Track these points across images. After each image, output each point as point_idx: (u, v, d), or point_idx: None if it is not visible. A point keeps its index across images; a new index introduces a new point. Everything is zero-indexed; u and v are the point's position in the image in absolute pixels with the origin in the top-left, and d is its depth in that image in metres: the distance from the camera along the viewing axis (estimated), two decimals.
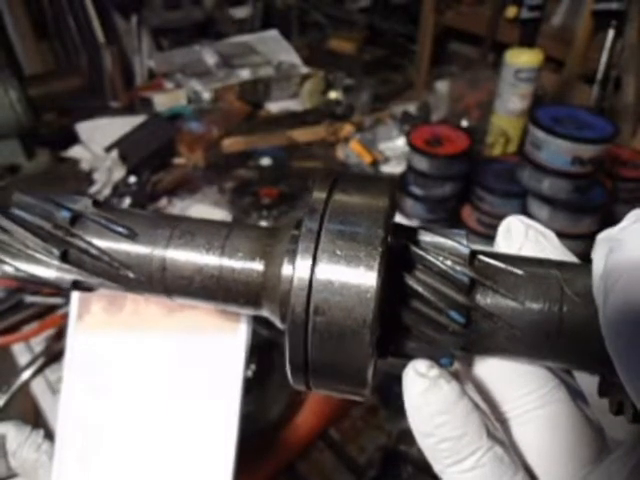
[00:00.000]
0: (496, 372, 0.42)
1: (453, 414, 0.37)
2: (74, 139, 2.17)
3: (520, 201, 1.74)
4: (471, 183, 1.81)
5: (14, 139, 1.95)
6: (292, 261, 0.36)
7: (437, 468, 0.39)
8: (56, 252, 0.41)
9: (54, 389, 1.30)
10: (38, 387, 1.32)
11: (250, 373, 1.22)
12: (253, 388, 1.21)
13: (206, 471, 0.61)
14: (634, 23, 1.95)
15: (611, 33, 1.96)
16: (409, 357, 0.39)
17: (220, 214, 1.81)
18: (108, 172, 1.91)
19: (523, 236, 0.42)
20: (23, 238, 0.42)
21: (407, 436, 1.23)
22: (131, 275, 0.42)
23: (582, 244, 1.63)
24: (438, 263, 0.38)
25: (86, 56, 2.82)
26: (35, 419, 1.28)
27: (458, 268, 0.37)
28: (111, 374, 0.63)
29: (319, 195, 0.38)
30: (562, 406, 0.41)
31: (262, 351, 1.26)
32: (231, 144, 2.15)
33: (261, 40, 2.84)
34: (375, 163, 2.09)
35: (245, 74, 2.54)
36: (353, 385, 0.37)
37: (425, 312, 0.37)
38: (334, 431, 1.29)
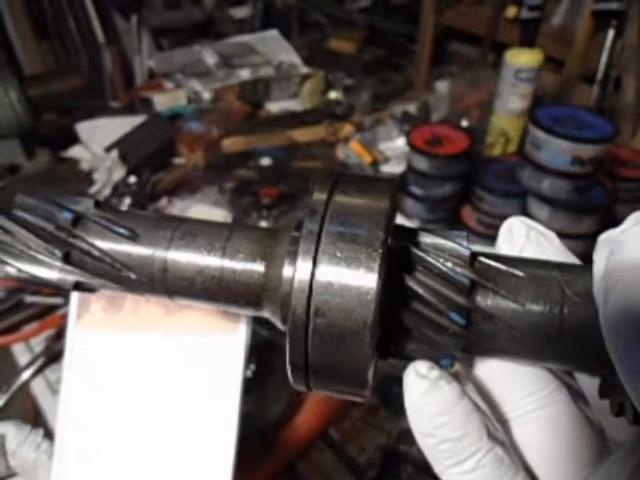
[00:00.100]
0: (497, 373, 0.42)
1: (453, 415, 0.37)
2: (74, 139, 2.17)
3: (520, 201, 1.74)
4: (471, 183, 1.81)
5: (14, 139, 1.95)
6: (293, 263, 0.36)
7: (437, 469, 0.39)
8: (58, 253, 0.41)
9: (54, 389, 1.30)
10: (38, 387, 1.32)
11: (250, 373, 1.22)
12: (253, 388, 1.21)
13: (206, 471, 0.61)
14: (634, 23, 1.95)
15: (611, 33, 1.96)
16: (410, 358, 0.39)
17: (220, 214, 1.81)
18: (108, 172, 1.91)
19: (524, 237, 0.42)
20: (25, 239, 0.42)
21: (407, 436, 1.23)
22: (133, 276, 0.42)
23: (582, 244, 1.64)
24: (438, 265, 0.38)
25: (86, 56, 2.82)
26: (35, 419, 1.28)
27: (458, 270, 0.37)
28: (111, 374, 0.63)
29: (319, 196, 0.38)
30: (563, 407, 0.41)
31: (262, 351, 1.26)
32: (231, 144, 2.15)
33: (261, 40, 2.84)
34: (375, 163, 2.09)
35: (245, 74, 2.54)
36: (353, 386, 0.38)
37: (425, 314, 0.37)
38: (334, 431, 1.29)
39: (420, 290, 0.37)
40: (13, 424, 0.67)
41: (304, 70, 2.61)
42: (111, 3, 2.79)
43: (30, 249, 0.42)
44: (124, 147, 2.03)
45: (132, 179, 1.91)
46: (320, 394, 0.40)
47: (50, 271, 0.42)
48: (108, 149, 2.03)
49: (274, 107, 2.51)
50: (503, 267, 0.39)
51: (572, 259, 0.42)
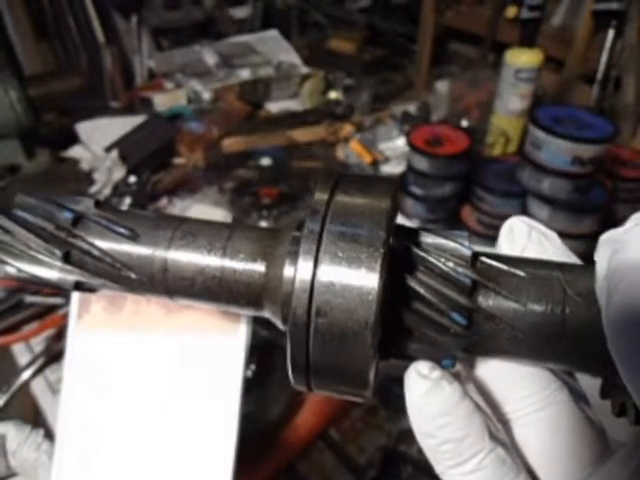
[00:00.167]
0: (498, 373, 0.42)
1: (455, 415, 0.37)
2: (74, 139, 2.17)
3: (520, 201, 1.74)
4: (471, 183, 1.81)
5: (14, 139, 1.95)
6: (294, 262, 0.36)
7: (438, 469, 0.39)
8: (58, 253, 0.41)
9: (54, 389, 1.30)
10: (38, 387, 1.32)
11: (250, 373, 1.22)
12: (253, 388, 1.21)
13: (206, 471, 0.61)
14: (634, 23, 1.95)
15: (611, 33, 1.96)
16: (411, 359, 0.39)
17: (220, 214, 1.81)
18: (108, 172, 1.91)
19: (526, 237, 0.42)
20: (25, 239, 0.42)
21: (407, 436, 1.23)
22: (133, 276, 0.42)
23: (582, 244, 1.63)
24: (440, 265, 0.37)
25: (86, 56, 2.82)
26: (35, 419, 1.28)
27: (460, 270, 0.37)
28: (111, 374, 0.63)
29: (321, 196, 0.38)
30: (564, 408, 0.41)
31: (262, 351, 1.26)
32: (231, 144, 2.15)
33: (261, 40, 2.84)
34: (375, 163, 2.09)
35: (245, 74, 2.54)
36: (354, 387, 0.37)
37: (427, 314, 0.37)
38: (334, 431, 1.29)
39: (421, 290, 0.37)
40: (14, 424, 0.67)
41: (304, 70, 2.61)
42: (111, 3, 2.79)
43: (30, 249, 0.42)
44: (124, 147, 2.03)
45: (132, 179, 1.91)
46: (321, 394, 0.40)
47: (50, 271, 0.42)
48: (108, 149, 2.03)
49: (274, 107, 2.51)
50: (505, 267, 0.39)
51: (573, 259, 0.42)
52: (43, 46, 3.00)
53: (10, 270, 0.42)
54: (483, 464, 0.37)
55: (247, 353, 0.61)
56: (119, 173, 1.92)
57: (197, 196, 1.94)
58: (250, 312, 0.42)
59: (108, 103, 2.58)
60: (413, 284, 0.37)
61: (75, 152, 2.10)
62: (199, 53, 2.67)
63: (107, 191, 1.87)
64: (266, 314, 0.42)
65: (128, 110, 2.42)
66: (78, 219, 0.43)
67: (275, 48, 2.79)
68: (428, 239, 0.39)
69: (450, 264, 0.37)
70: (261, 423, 1.22)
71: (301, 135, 2.23)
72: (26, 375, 1.32)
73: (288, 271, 0.38)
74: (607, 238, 0.34)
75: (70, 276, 0.42)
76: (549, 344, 0.37)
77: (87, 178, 1.93)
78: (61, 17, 2.85)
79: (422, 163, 1.77)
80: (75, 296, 0.62)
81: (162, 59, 2.71)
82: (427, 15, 2.88)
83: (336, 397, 0.40)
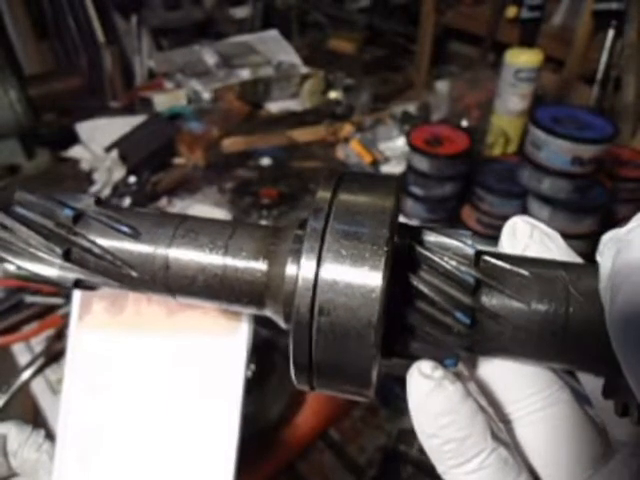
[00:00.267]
0: (500, 373, 0.42)
1: (458, 415, 0.37)
2: (74, 139, 2.17)
3: (520, 201, 1.74)
4: (471, 183, 1.80)
5: (14, 139, 1.95)
6: (296, 261, 0.36)
7: (440, 469, 0.39)
8: (59, 251, 0.41)
9: (54, 389, 1.30)
10: (38, 387, 1.32)
11: (250, 373, 1.22)
12: (253, 388, 1.21)
13: (207, 471, 0.61)
14: (634, 23, 1.95)
15: (611, 33, 1.96)
16: (413, 358, 0.38)
17: (220, 214, 1.81)
18: (108, 172, 1.91)
19: (528, 237, 0.42)
20: (26, 236, 0.41)
21: (407, 436, 1.23)
22: (134, 274, 0.42)
23: (582, 244, 1.63)
24: (443, 263, 0.37)
25: (86, 56, 2.82)
26: (35, 419, 1.28)
27: (463, 269, 0.37)
28: (112, 374, 0.63)
29: (324, 194, 0.37)
30: (566, 408, 0.41)
31: (262, 351, 1.26)
32: (231, 144, 2.15)
33: (261, 40, 2.84)
34: (375, 163, 2.09)
35: (245, 74, 2.54)
36: (357, 386, 0.37)
37: (430, 313, 0.37)
38: (334, 431, 1.29)
39: (425, 289, 0.37)
40: (15, 424, 0.67)
41: (304, 70, 2.61)
42: (111, 3, 2.80)
43: (30, 246, 0.41)
44: (124, 147, 2.03)
45: (132, 179, 1.91)
46: (321, 394, 0.40)
47: (50, 268, 0.42)
48: (108, 149, 2.03)
49: (274, 107, 2.51)
50: (508, 266, 0.38)
51: (576, 259, 0.42)
52: (43, 46, 3.00)
53: (10, 268, 0.42)
54: (485, 464, 0.37)
55: (249, 352, 0.61)
56: (119, 173, 1.92)
57: (197, 196, 1.94)
58: (252, 311, 0.42)
59: (108, 103, 2.58)
60: (416, 283, 0.37)
61: (75, 152, 2.10)
62: (199, 53, 2.67)
63: (107, 191, 1.87)
64: (268, 313, 0.41)
65: (128, 110, 2.42)
66: (79, 217, 0.43)
67: (275, 48, 2.79)
68: (431, 238, 0.39)
69: (453, 263, 0.37)
70: (261, 423, 1.22)
71: (301, 135, 2.23)
72: (26, 375, 1.32)
73: (291, 269, 0.38)
74: (610, 238, 0.34)
75: (70, 274, 0.42)
76: (553, 343, 0.37)
77: (87, 178, 1.93)
78: (61, 17, 2.85)
79: (422, 163, 1.77)
80: (76, 297, 0.62)
81: (162, 59, 2.71)
82: (427, 15, 2.87)
83: (338, 396, 0.40)
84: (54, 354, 1.36)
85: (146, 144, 2.08)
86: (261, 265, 0.40)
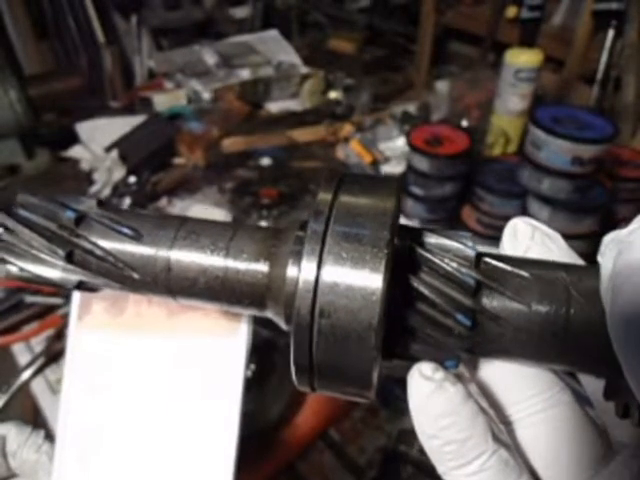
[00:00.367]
0: (501, 374, 0.42)
1: (458, 417, 0.37)
2: (74, 139, 2.17)
3: (520, 201, 1.74)
4: (471, 183, 1.80)
5: (14, 139, 1.95)
6: (297, 263, 0.36)
7: (441, 470, 0.39)
8: (61, 252, 0.41)
9: (54, 389, 1.30)
10: (38, 387, 1.32)
11: (250, 373, 1.22)
12: (253, 388, 1.21)
13: (207, 471, 0.61)
14: (634, 23, 1.95)
15: (611, 33, 1.96)
16: (414, 359, 0.38)
17: (220, 214, 1.81)
18: (108, 172, 1.90)
19: (529, 238, 0.42)
20: (28, 238, 0.41)
21: (407, 437, 1.23)
22: (136, 276, 0.42)
23: (582, 244, 1.63)
24: (444, 265, 0.37)
25: (86, 56, 2.82)
26: (34, 419, 1.28)
27: (464, 270, 0.37)
28: (112, 375, 0.63)
29: (324, 196, 0.37)
30: (567, 409, 0.41)
31: (262, 351, 1.26)
32: (231, 144, 2.15)
33: (261, 40, 2.84)
34: (375, 163, 2.09)
35: (245, 74, 2.54)
36: (358, 387, 0.37)
37: (431, 314, 0.37)
38: (334, 432, 1.29)
39: (425, 291, 0.37)
40: (14, 425, 0.67)
41: (304, 70, 2.61)
42: (111, 3, 2.80)
43: (33, 248, 0.41)
44: (124, 147, 2.03)
45: (132, 179, 1.91)
46: (321, 394, 0.40)
47: (53, 270, 0.42)
48: (108, 149, 2.03)
49: (274, 107, 2.51)
50: (509, 268, 0.38)
51: (577, 260, 0.42)
52: (43, 46, 3.00)
53: (12, 269, 0.42)
54: (486, 465, 0.37)
55: (248, 353, 0.61)
56: (119, 173, 1.92)
57: (197, 196, 1.94)
58: (253, 312, 0.42)
59: (108, 103, 2.58)
60: (417, 285, 0.37)
61: (75, 152, 2.10)
62: (199, 53, 2.67)
63: (107, 191, 1.87)
64: (269, 314, 0.41)
65: (128, 110, 2.41)
66: (81, 218, 0.43)
67: (275, 48, 2.79)
68: (432, 239, 0.39)
69: (454, 265, 0.37)
70: (261, 423, 1.22)
71: (301, 135, 2.23)
72: (26, 375, 1.32)
73: (292, 271, 0.38)
74: (611, 239, 0.34)
75: (73, 276, 0.42)
76: (553, 345, 0.37)
77: (87, 178, 1.93)
78: (61, 17, 2.85)
79: (422, 163, 1.77)
80: (76, 297, 0.62)
81: (162, 59, 2.71)
82: (427, 15, 2.87)
83: (339, 397, 0.40)
84: (54, 354, 1.36)
85: (146, 144, 2.08)
86: (262, 267, 0.40)
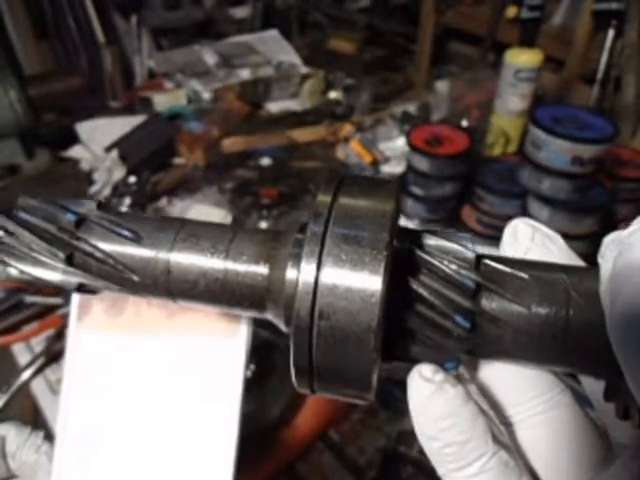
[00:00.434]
0: (501, 376, 0.42)
1: (458, 418, 0.36)
2: (74, 139, 2.17)
3: (520, 201, 1.74)
4: (471, 183, 1.81)
5: (14, 139, 1.95)
6: (297, 265, 0.36)
7: (441, 472, 0.39)
8: (61, 255, 0.41)
9: (54, 389, 1.30)
10: (38, 387, 1.32)
11: (250, 373, 1.22)
12: (253, 388, 1.21)
13: (207, 472, 0.61)
14: (634, 23, 1.95)
15: (611, 33, 1.96)
16: (414, 361, 0.38)
17: (220, 214, 1.81)
18: (108, 172, 1.90)
19: (529, 239, 0.42)
20: (28, 241, 0.41)
21: (406, 437, 1.23)
22: (135, 278, 0.42)
23: (582, 244, 1.63)
24: (443, 267, 0.37)
25: (86, 56, 2.82)
26: (35, 419, 1.28)
27: (463, 272, 0.37)
28: (112, 376, 0.63)
29: (324, 198, 0.37)
30: (567, 411, 0.41)
31: (262, 351, 1.26)
32: (231, 144, 2.15)
33: (261, 40, 2.84)
34: (375, 163, 2.09)
35: (245, 74, 2.54)
36: (358, 389, 0.37)
37: (430, 317, 0.37)
38: (334, 432, 1.29)
39: (425, 293, 0.37)
40: (13, 426, 0.67)
41: (304, 70, 2.61)
42: (111, 3, 2.80)
43: (33, 251, 0.41)
44: (124, 147, 2.03)
45: (132, 179, 1.91)
46: (323, 396, 0.40)
47: (53, 273, 0.42)
48: (108, 149, 2.03)
49: (274, 107, 2.51)
50: (508, 269, 0.38)
51: (577, 261, 0.42)
52: (43, 46, 3.00)
53: (12, 272, 0.42)
54: (486, 467, 0.37)
55: (248, 354, 0.61)
56: (119, 173, 1.92)
57: (197, 196, 1.94)
58: (253, 314, 0.42)
59: (108, 103, 2.58)
60: (416, 287, 0.37)
61: (75, 152, 2.10)
62: (199, 53, 2.67)
63: (107, 191, 1.87)
64: (269, 316, 0.41)
65: (128, 110, 2.41)
66: (81, 221, 0.43)
67: (275, 48, 2.79)
68: (431, 241, 0.39)
69: (453, 266, 0.37)
70: (261, 423, 1.22)
71: (301, 135, 2.23)
72: (26, 375, 1.32)
73: (291, 273, 0.38)
74: (611, 240, 0.34)
75: (73, 278, 0.42)
76: (553, 347, 0.37)
77: (87, 178, 1.93)
78: (61, 17, 2.85)
79: (422, 163, 1.77)
80: (75, 298, 0.62)
81: (162, 59, 2.71)
82: (427, 15, 2.87)
83: (339, 399, 0.40)
84: (54, 354, 1.36)
85: (146, 144, 2.08)
86: (262, 269, 0.40)
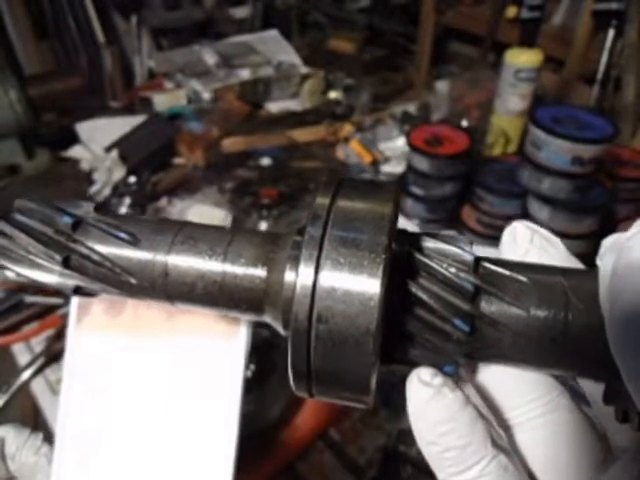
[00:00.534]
0: (500, 379, 0.42)
1: (457, 423, 0.36)
2: (74, 139, 2.17)
3: (520, 201, 1.74)
4: (471, 183, 1.80)
5: (14, 139, 1.95)
6: (295, 268, 0.36)
7: (440, 476, 0.39)
8: (58, 258, 0.41)
9: (54, 389, 1.30)
10: (38, 387, 1.32)
11: (250, 373, 1.22)
12: (253, 388, 1.21)
13: (207, 472, 0.61)
14: (634, 23, 1.95)
15: (611, 33, 1.96)
16: (413, 364, 0.38)
17: (220, 214, 1.81)
18: (108, 172, 1.90)
19: (528, 242, 0.42)
20: (25, 244, 0.41)
21: (407, 436, 1.23)
22: (133, 281, 0.41)
23: (582, 244, 1.63)
24: (442, 270, 0.37)
25: (86, 56, 2.82)
26: (35, 419, 1.28)
27: (462, 275, 0.37)
28: (111, 376, 0.63)
29: (322, 201, 0.37)
30: (566, 413, 0.41)
31: (262, 351, 1.26)
32: (231, 144, 2.15)
33: (261, 40, 2.84)
34: (375, 163, 2.09)
35: (245, 74, 2.54)
36: (356, 393, 0.37)
37: (429, 320, 0.37)
38: (334, 431, 1.29)
39: (424, 296, 0.37)
40: (13, 427, 0.67)
41: (304, 70, 2.61)
42: (111, 3, 2.79)
43: (29, 253, 0.41)
44: (124, 147, 2.03)
45: (132, 179, 1.91)
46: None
47: (50, 275, 0.42)
48: (108, 149, 2.03)
49: (274, 107, 2.51)
50: (507, 273, 0.38)
51: (576, 264, 0.42)
52: (43, 46, 3.00)
53: (10, 275, 0.42)
54: (485, 471, 0.37)
55: (247, 356, 0.61)
56: (119, 173, 1.92)
57: (197, 196, 1.94)
58: (251, 317, 0.42)
59: (108, 103, 2.58)
60: (415, 290, 0.37)
61: (75, 152, 2.10)
62: (199, 53, 2.67)
63: (107, 191, 1.86)
64: (267, 319, 0.41)
65: (128, 110, 2.41)
66: (78, 223, 0.43)
67: (275, 48, 2.79)
68: (430, 244, 0.39)
69: (452, 270, 0.37)
70: (261, 423, 1.22)
71: (301, 135, 2.23)
72: (26, 375, 1.32)
73: (289, 276, 0.37)
74: (611, 244, 0.34)
75: (70, 280, 0.42)
76: (552, 350, 0.37)
77: (87, 178, 1.92)
78: (61, 17, 2.85)
79: (422, 163, 1.77)
80: (74, 299, 0.62)
81: (162, 59, 2.71)
82: (427, 15, 2.87)
83: (337, 403, 0.40)
84: (54, 354, 1.36)
85: (146, 144, 2.08)
86: (260, 272, 0.40)
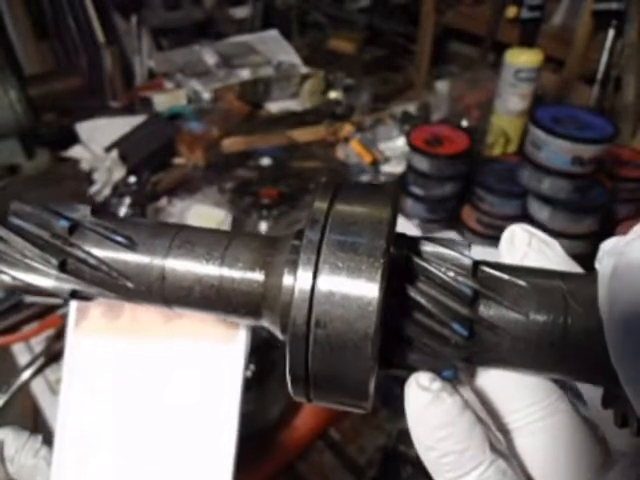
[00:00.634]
0: (499, 383, 0.41)
1: (456, 428, 0.36)
2: (74, 139, 2.17)
3: (520, 201, 1.74)
4: (471, 183, 1.80)
5: (14, 139, 1.94)
6: (293, 272, 0.36)
7: None
8: (54, 262, 0.41)
9: (54, 389, 1.30)
10: (38, 387, 1.32)
11: (250, 373, 1.22)
12: (253, 388, 1.21)
13: (207, 472, 0.61)
14: (634, 23, 1.95)
15: (611, 33, 1.96)
16: (411, 369, 0.38)
17: (220, 214, 1.81)
18: (108, 172, 1.90)
19: (526, 245, 0.42)
20: (21, 247, 0.41)
21: (407, 436, 1.22)
22: (130, 285, 0.41)
23: (582, 244, 1.63)
24: (440, 274, 0.37)
25: (86, 56, 2.81)
26: (35, 419, 1.28)
27: (461, 279, 0.37)
28: (110, 379, 0.63)
29: (320, 205, 0.37)
30: (565, 417, 0.40)
31: (262, 351, 1.26)
32: (231, 144, 2.15)
33: (261, 40, 2.84)
34: (375, 163, 2.09)
35: (245, 74, 2.54)
36: (354, 398, 0.37)
37: (428, 324, 0.37)
38: (334, 431, 1.29)
39: (422, 300, 0.36)
40: (12, 430, 0.67)
41: (304, 70, 2.61)
42: (111, 3, 2.79)
43: (26, 257, 0.41)
44: (124, 147, 2.03)
45: (132, 179, 1.91)
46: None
47: (46, 279, 0.42)
48: (108, 149, 2.03)
49: (274, 107, 2.51)
50: (506, 277, 0.38)
51: (574, 266, 0.42)
52: (43, 46, 3.00)
53: (5, 278, 0.42)
54: (484, 476, 0.37)
55: (246, 359, 0.61)
56: (119, 173, 1.92)
57: (197, 196, 1.94)
58: (249, 321, 0.42)
59: (108, 103, 2.58)
60: (414, 294, 0.37)
61: (75, 152, 2.10)
62: (199, 53, 2.67)
63: (107, 191, 1.86)
64: (265, 323, 0.41)
65: (128, 110, 2.41)
66: (74, 227, 0.42)
67: (275, 48, 2.79)
68: (428, 248, 0.39)
69: (451, 274, 0.37)
70: (261, 423, 1.22)
71: (301, 135, 2.22)
72: (26, 375, 1.32)
73: (287, 280, 0.37)
74: (609, 248, 0.34)
75: (66, 285, 0.42)
76: (551, 354, 0.36)
77: (87, 178, 1.92)
78: (61, 17, 2.85)
79: (422, 163, 1.77)
80: (73, 302, 0.62)
81: (162, 59, 2.71)
82: (427, 15, 2.87)
83: (336, 408, 0.40)
84: (54, 354, 1.36)
85: (146, 144, 2.08)
86: (258, 276, 0.40)
